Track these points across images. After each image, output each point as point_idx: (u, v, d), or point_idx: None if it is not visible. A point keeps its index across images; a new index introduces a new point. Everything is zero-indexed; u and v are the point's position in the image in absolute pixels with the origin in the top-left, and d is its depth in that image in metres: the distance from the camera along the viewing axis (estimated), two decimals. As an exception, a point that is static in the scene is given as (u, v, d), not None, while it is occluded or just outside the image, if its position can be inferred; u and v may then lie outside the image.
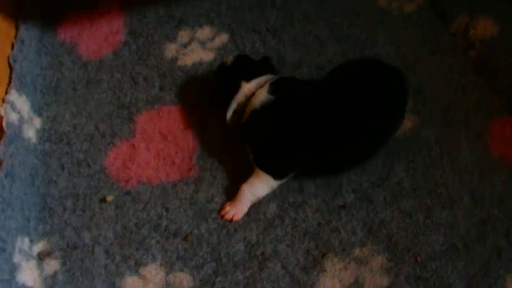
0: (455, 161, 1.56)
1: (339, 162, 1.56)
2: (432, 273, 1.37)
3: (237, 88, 1.59)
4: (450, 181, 1.53)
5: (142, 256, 1.44)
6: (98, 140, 1.68)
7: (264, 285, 1.38)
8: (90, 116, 1.74)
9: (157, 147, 1.66)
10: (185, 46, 1.92)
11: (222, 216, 1.50)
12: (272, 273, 1.39)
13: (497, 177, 1.53)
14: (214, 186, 1.56)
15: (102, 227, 1.50)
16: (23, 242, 1.44)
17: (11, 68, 1.74)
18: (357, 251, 1.42)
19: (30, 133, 1.66)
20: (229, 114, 1.60)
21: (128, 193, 1.56)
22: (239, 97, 1.58)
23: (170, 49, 1.91)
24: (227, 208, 1.50)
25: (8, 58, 1.76)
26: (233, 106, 1.59)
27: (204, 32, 1.95)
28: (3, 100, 1.63)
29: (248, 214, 1.49)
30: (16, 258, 1.40)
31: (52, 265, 1.44)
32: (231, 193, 1.53)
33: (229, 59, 1.70)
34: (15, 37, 1.85)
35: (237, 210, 1.49)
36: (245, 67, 1.65)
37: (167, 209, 1.52)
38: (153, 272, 1.41)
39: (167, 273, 1.41)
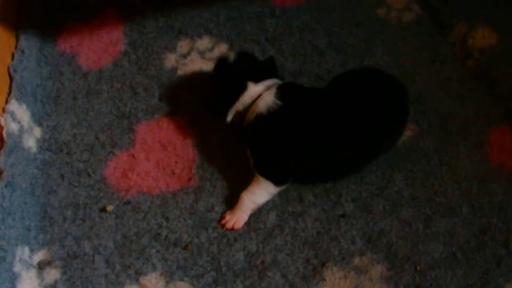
0: (454, 170, 1.57)
1: (339, 170, 1.56)
2: (431, 282, 1.37)
3: (242, 88, 1.57)
4: (449, 190, 1.53)
5: (142, 266, 1.44)
6: (98, 150, 1.68)
7: (264, 294, 1.38)
8: (90, 126, 1.74)
9: (157, 157, 1.66)
10: (184, 56, 1.92)
11: (223, 226, 1.50)
12: (272, 282, 1.39)
13: (496, 186, 1.53)
14: (214, 195, 1.57)
15: (102, 236, 1.50)
16: (23, 252, 1.44)
17: (11, 78, 1.74)
18: (356, 260, 1.42)
19: (30, 142, 1.66)
20: (231, 114, 1.59)
21: (128, 202, 1.57)
22: (245, 98, 1.56)
23: (170, 59, 1.91)
24: (228, 217, 1.50)
25: (8, 68, 1.76)
26: (238, 106, 1.57)
27: (204, 42, 1.96)
28: (3, 110, 1.63)
29: (248, 223, 1.50)
30: (17, 267, 1.40)
31: (52, 274, 1.43)
32: (231, 203, 1.53)
33: (231, 55, 1.66)
34: (15, 47, 1.85)
35: (238, 218, 1.49)
36: (251, 67, 1.63)
37: (167, 219, 1.52)
38: (153, 281, 1.41)
39: (167, 282, 1.41)
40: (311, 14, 2.04)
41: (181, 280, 1.41)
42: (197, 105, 1.77)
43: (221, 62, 1.67)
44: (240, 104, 1.57)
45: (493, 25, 1.89)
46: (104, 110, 1.78)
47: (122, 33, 2.01)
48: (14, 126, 1.61)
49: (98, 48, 1.96)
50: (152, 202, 1.56)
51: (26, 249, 1.46)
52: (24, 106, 1.70)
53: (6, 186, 1.48)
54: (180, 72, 1.88)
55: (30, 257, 1.45)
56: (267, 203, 1.53)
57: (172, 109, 1.77)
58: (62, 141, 1.70)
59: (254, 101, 1.55)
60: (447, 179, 1.56)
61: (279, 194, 1.54)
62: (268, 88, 1.56)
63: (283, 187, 1.53)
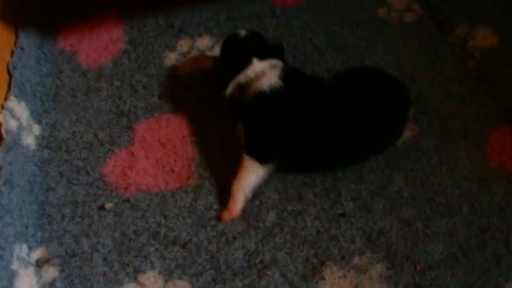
0: (454, 170, 1.57)
1: (326, 161, 1.58)
2: (431, 282, 1.37)
3: (247, 62, 1.57)
4: (449, 189, 1.53)
5: (141, 264, 1.44)
6: (97, 148, 1.68)
7: (263, 293, 1.38)
8: (89, 124, 1.74)
9: (156, 155, 1.66)
10: (184, 55, 1.92)
11: (221, 220, 1.50)
12: (271, 281, 1.39)
13: (496, 186, 1.53)
14: (213, 194, 1.56)
15: (101, 234, 1.50)
16: (21, 249, 1.44)
17: (10, 75, 1.74)
18: (356, 259, 1.42)
19: (29, 140, 1.66)
20: (232, 86, 1.59)
21: (127, 200, 1.56)
22: (249, 72, 1.56)
23: (170, 58, 1.91)
24: (224, 212, 1.51)
25: (8, 65, 1.75)
26: (240, 79, 1.57)
27: (204, 41, 1.96)
28: (2, 107, 1.63)
29: (247, 222, 1.49)
30: (14, 265, 1.39)
31: (51, 272, 1.43)
32: (230, 201, 1.53)
33: (242, 32, 1.67)
34: (15, 44, 1.85)
35: (230, 207, 1.50)
36: (258, 44, 1.65)
37: (166, 217, 1.52)
38: (152, 279, 1.41)
39: (166, 281, 1.40)
40: (311, 14, 2.03)
41: (180, 278, 1.41)
42: (197, 103, 1.77)
43: (231, 36, 1.69)
44: (242, 77, 1.57)
45: (493, 25, 1.89)
46: (103, 108, 1.78)
47: (122, 31, 2.01)
48: (13, 124, 1.60)
49: (98, 46, 1.96)
50: (151, 200, 1.56)
51: (24, 247, 1.45)
52: (23, 104, 1.70)
53: (4, 183, 1.48)
54: (180, 70, 1.87)
55: (28, 254, 1.45)
56: (266, 201, 1.52)
57: (172, 108, 1.77)
58: (61, 139, 1.70)
59: (257, 77, 1.55)
60: (447, 178, 1.55)
61: (279, 193, 1.54)
62: (272, 67, 1.57)
63: (268, 167, 1.53)
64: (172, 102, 1.79)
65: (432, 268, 1.39)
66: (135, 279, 1.41)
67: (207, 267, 1.42)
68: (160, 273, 1.42)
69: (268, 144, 1.52)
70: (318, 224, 1.48)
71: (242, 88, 1.58)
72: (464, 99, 1.73)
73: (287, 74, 1.55)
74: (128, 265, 1.43)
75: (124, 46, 1.96)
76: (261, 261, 1.42)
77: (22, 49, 1.83)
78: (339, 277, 1.39)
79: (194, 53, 1.93)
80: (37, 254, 1.46)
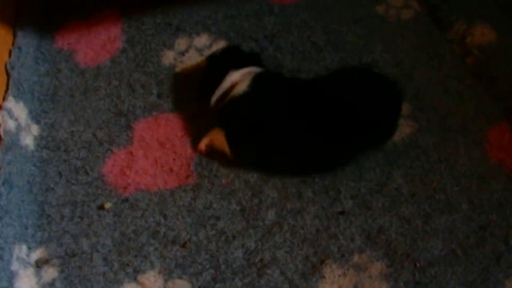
0: (453, 167, 1.57)
1: (300, 162, 1.59)
2: (431, 279, 1.37)
3: (224, 74, 1.64)
4: (448, 187, 1.53)
5: (141, 263, 1.43)
6: (96, 148, 1.68)
7: (263, 291, 1.38)
8: (87, 124, 1.73)
9: (155, 154, 1.65)
10: (182, 53, 1.92)
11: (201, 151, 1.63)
12: (271, 280, 1.39)
13: (495, 183, 1.53)
14: (212, 193, 1.56)
15: (100, 234, 1.50)
16: (21, 250, 1.43)
17: (8, 75, 1.74)
18: (356, 258, 1.42)
19: (28, 140, 1.66)
20: (214, 99, 1.64)
21: (126, 200, 1.56)
22: (225, 84, 1.62)
23: (168, 57, 1.91)
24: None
25: (6, 65, 1.75)
26: (219, 92, 1.63)
27: (202, 39, 1.95)
28: (1, 107, 1.63)
29: (246, 221, 1.49)
30: (14, 265, 1.39)
31: (50, 272, 1.43)
32: (230, 200, 1.53)
33: (219, 49, 1.76)
34: (13, 44, 1.85)
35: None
36: (235, 57, 1.72)
37: (165, 216, 1.52)
38: (152, 279, 1.41)
39: (166, 280, 1.40)
40: (309, 11, 2.03)
41: (180, 278, 1.41)
42: (195, 102, 1.76)
43: (212, 56, 1.76)
44: (221, 89, 1.62)
45: (492, 22, 1.89)
46: (101, 107, 1.78)
47: (120, 30, 2.01)
48: (11, 124, 1.60)
49: (96, 45, 1.96)
50: (150, 199, 1.56)
51: (24, 247, 1.45)
52: (22, 104, 1.70)
53: (3, 184, 1.48)
54: (178, 69, 1.87)
55: (27, 255, 1.45)
56: (265, 200, 1.52)
57: (170, 107, 1.77)
58: (59, 139, 1.70)
59: (232, 87, 1.61)
60: (446, 175, 1.55)
61: (278, 191, 1.54)
62: (246, 75, 1.61)
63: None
64: (170, 101, 1.78)
65: (431, 265, 1.39)
66: (135, 279, 1.41)
67: (207, 266, 1.42)
68: (160, 272, 1.42)
69: (246, 149, 1.59)
70: (317, 222, 1.48)
71: (222, 99, 1.63)
72: (463, 96, 1.72)
73: (258, 79, 1.60)
74: (127, 265, 1.43)
75: (122, 45, 1.95)
76: (261, 260, 1.42)
77: (20, 48, 1.83)
78: (339, 275, 1.39)
79: (192, 51, 1.93)
80: (36, 254, 1.46)
